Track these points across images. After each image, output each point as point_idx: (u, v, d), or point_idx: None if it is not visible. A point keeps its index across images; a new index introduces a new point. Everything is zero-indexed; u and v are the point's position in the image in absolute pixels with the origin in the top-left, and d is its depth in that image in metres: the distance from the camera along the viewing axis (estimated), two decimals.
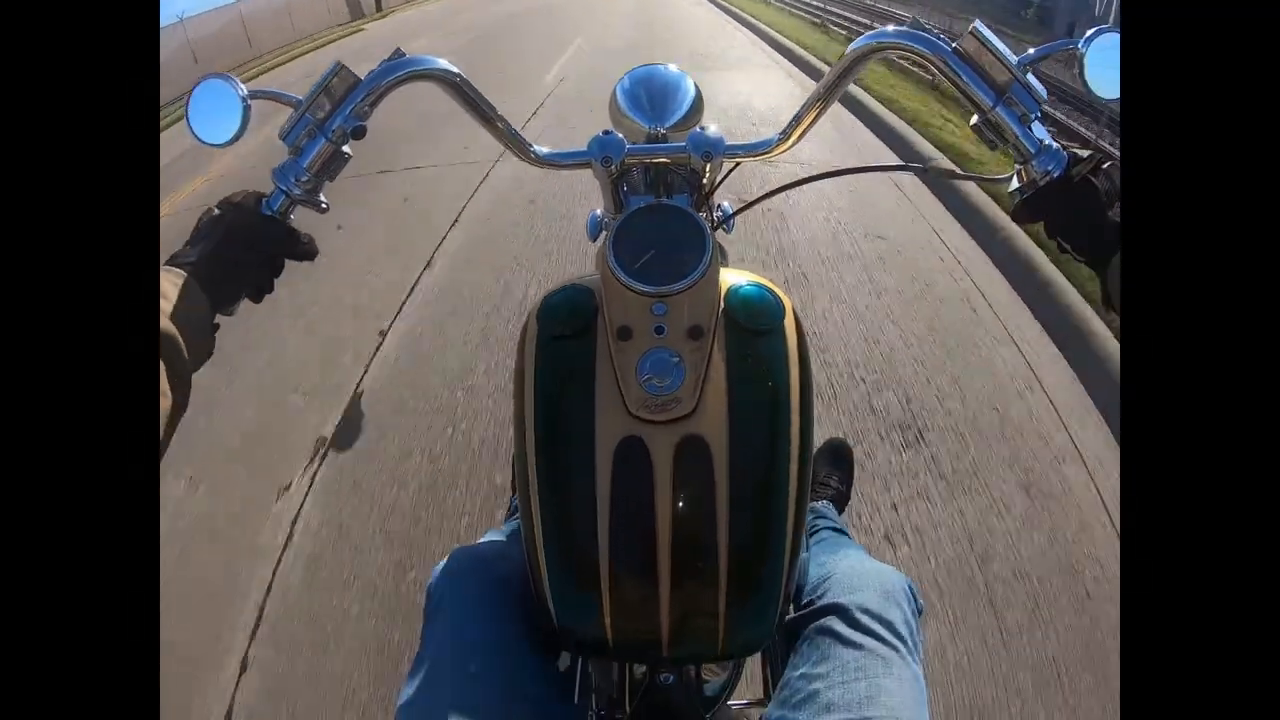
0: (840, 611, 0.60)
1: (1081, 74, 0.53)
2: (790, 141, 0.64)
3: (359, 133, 0.56)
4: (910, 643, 0.59)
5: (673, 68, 0.73)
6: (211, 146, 0.57)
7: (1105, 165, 0.51)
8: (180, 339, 0.46)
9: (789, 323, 0.56)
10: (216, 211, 0.54)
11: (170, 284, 0.48)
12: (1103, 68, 0.52)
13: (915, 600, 0.65)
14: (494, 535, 0.74)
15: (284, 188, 0.55)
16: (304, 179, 0.55)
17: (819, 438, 1.46)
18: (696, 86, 0.72)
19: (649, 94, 0.70)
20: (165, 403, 0.44)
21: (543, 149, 0.66)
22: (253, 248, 0.54)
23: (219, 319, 0.53)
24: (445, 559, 0.65)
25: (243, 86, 0.55)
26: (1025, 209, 0.54)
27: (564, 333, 0.55)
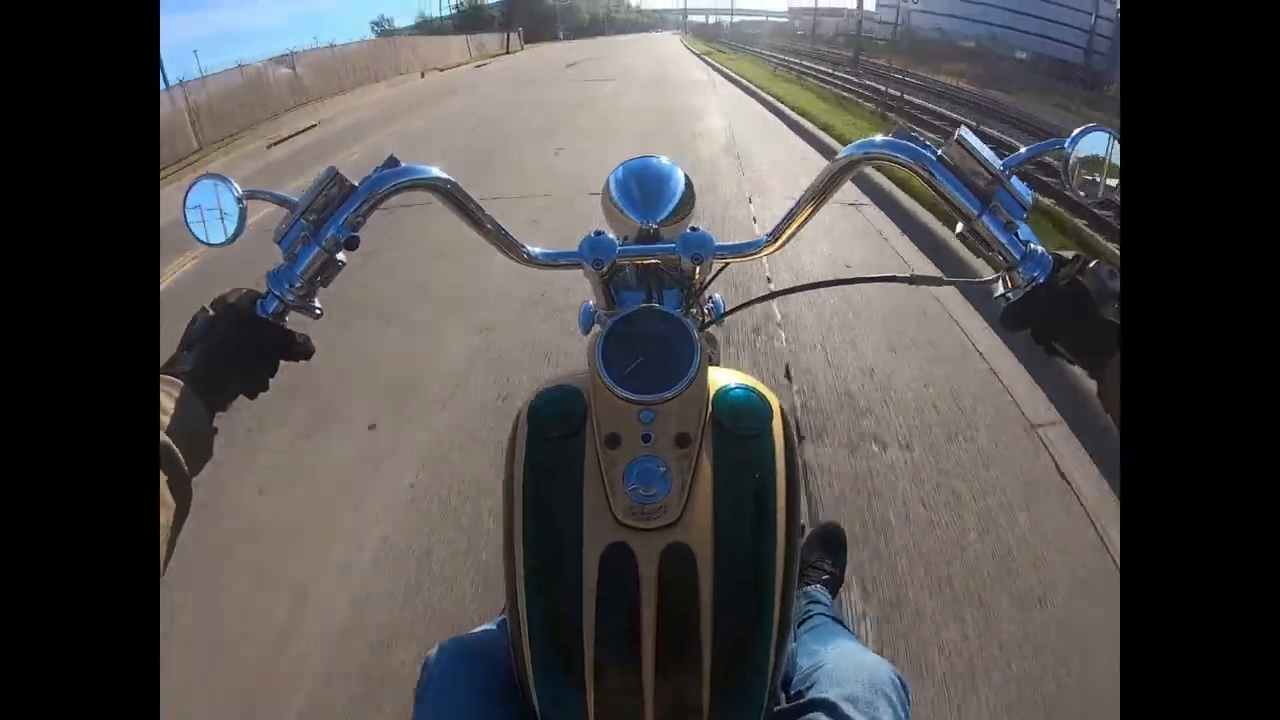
0: (828, 708, 0.60)
1: (1066, 174, 0.52)
2: (779, 243, 0.64)
3: (352, 243, 0.57)
4: None
5: (664, 160, 0.74)
6: (209, 246, 0.58)
7: (1091, 265, 0.51)
8: (178, 450, 0.47)
9: (776, 425, 0.56)
10: (210, 313, 0.55)
11: (167, 396, 0.49)
12: (1089, 168, 0.52)
13: (904, 691, 0.64)
14: (487, 626, 0.74)
15: (279, 294, 0.56)
16: (298, 285, 0.56)
17: (812, 520, 1.46)
18: (688, 179, 0.73)
19: (641, 187, 0.71)
20: (167, 512, 0.45)
21: (535, 249, 0.67)
22: (249, 353, 0.55)
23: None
24: (439, 645, 0.66)
25: (238, 187, 0.56)
26: (1012, 315, 0.54)
27: (553, 435, 0.56)
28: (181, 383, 0.50)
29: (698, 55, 19.90)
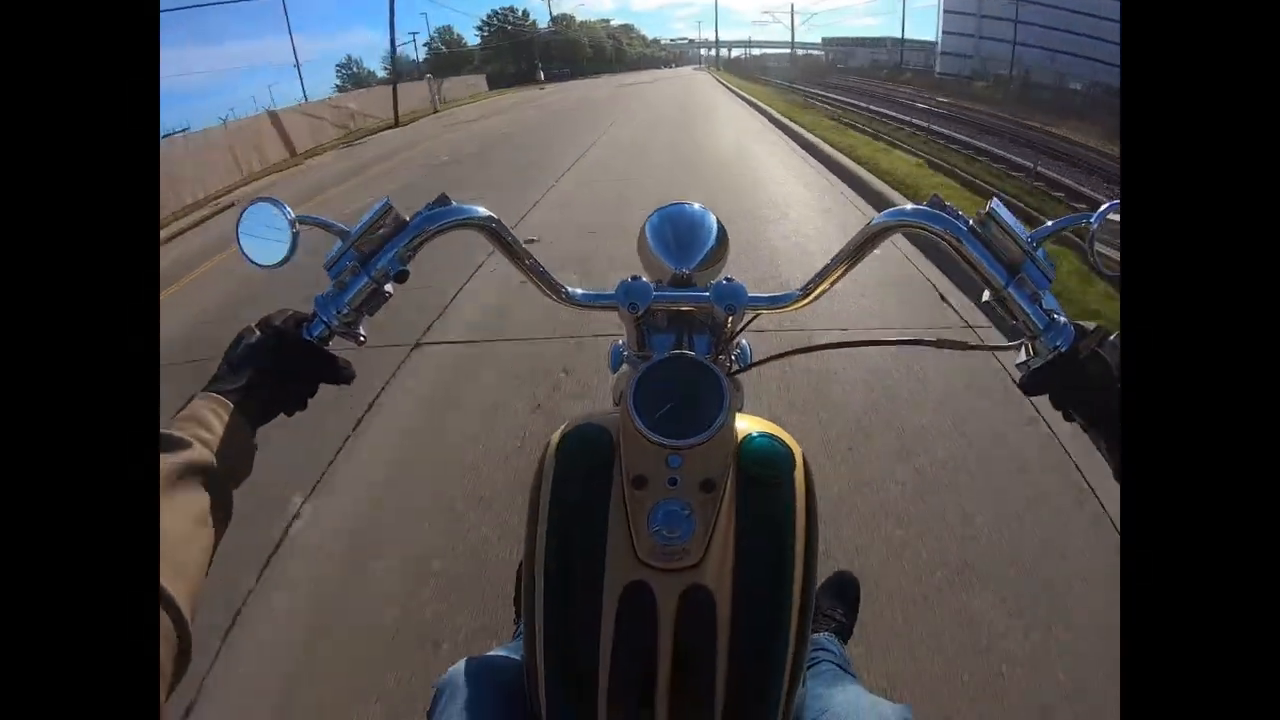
0: None
1: (1089, 248, 0.54)
2: (810, 298, 0.67)
3: (401, 277, 0.59)
4: None
5: (698, 206, 0.76)
6: (261, 268, 0.60)
7: (1111, 337, 0.53)
8: (221, 469, 0.49)
9: (799, 474, 0.58)
10: (257, 334, 0.56)
11: (213, 413, 0.51)
12: (1112, 242, 0.53)
13: None
14: (503, 651, 0.75)
15: (325, 319, 0.58)
16: (345, 313, 0.58)
17: (829, 568, 1.46)
18: (721, 225, 0.75)
19: (675, 233, 0.73)
20: (207, 528, 0.47)
21: (575, 290, 0.69)
22: (294, 376, 0.57)
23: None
24: (454, 666, 0.66)
25: (290, 211, 0.58)
26: (1033, 382, 0.56)
27: (580, 473, 0.57)
28: (230, 403, 0.52)
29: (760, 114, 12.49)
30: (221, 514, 0.49)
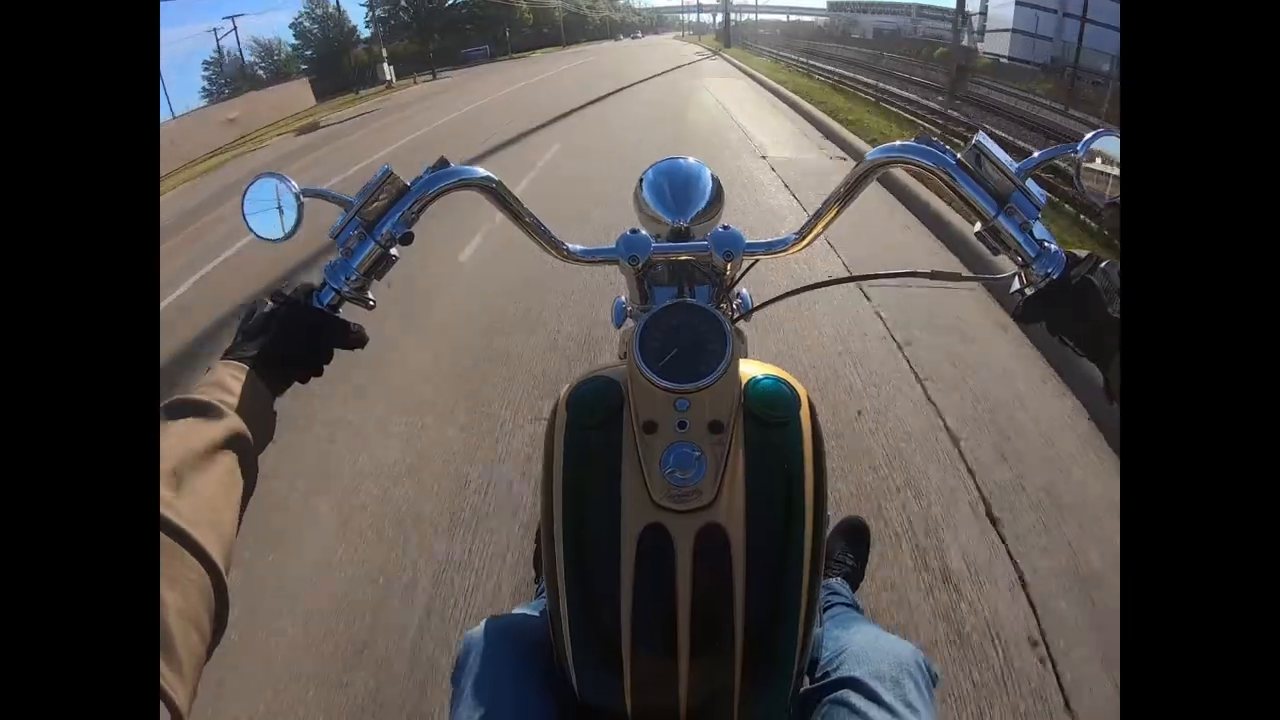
0: (854, 684, 0.61)
1: (1077, 178, 0.55)
2: (806, 241, 0.67)
3: (406, 239, 0.60)
4: (925, 714, 0.61)
5: (693, 160, 0.76)
6: (266, 241, 0.61)
7: (1103, 265, 0.54)
8: (247, 430, 0.50)
9: (804, 412, 0.59)
10: (270, 304, 0.58)
11: (233, 378, 0.52)
12: (1099, 171, 0.55)
13: (928, 672, 0.66)
14: (524, 609, 0.76)
15: (335, 286, 0.59)
16: (353, 279, 0.60)
17: (837, 516, 1.48)
18: (716, 179, 0.76)
19: (671, 187, 0.74)
20: (236, 489, 0.48)
21: (575, 246, 0.70)
22: (307, 341, 0.58)
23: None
24: (475, 627, 0.68)
25: (295, 184, 0.59)
26: (1027, 310, 0.57)
27: (592, 423, 0.59)
28: (247, 367, 0.54)
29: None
30: (250, 476, 0.51)
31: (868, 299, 2.74)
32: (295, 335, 0.57)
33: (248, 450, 0.51)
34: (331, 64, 30.67)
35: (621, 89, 12.24)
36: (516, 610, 0.75)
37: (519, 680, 0.61)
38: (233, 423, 0.49)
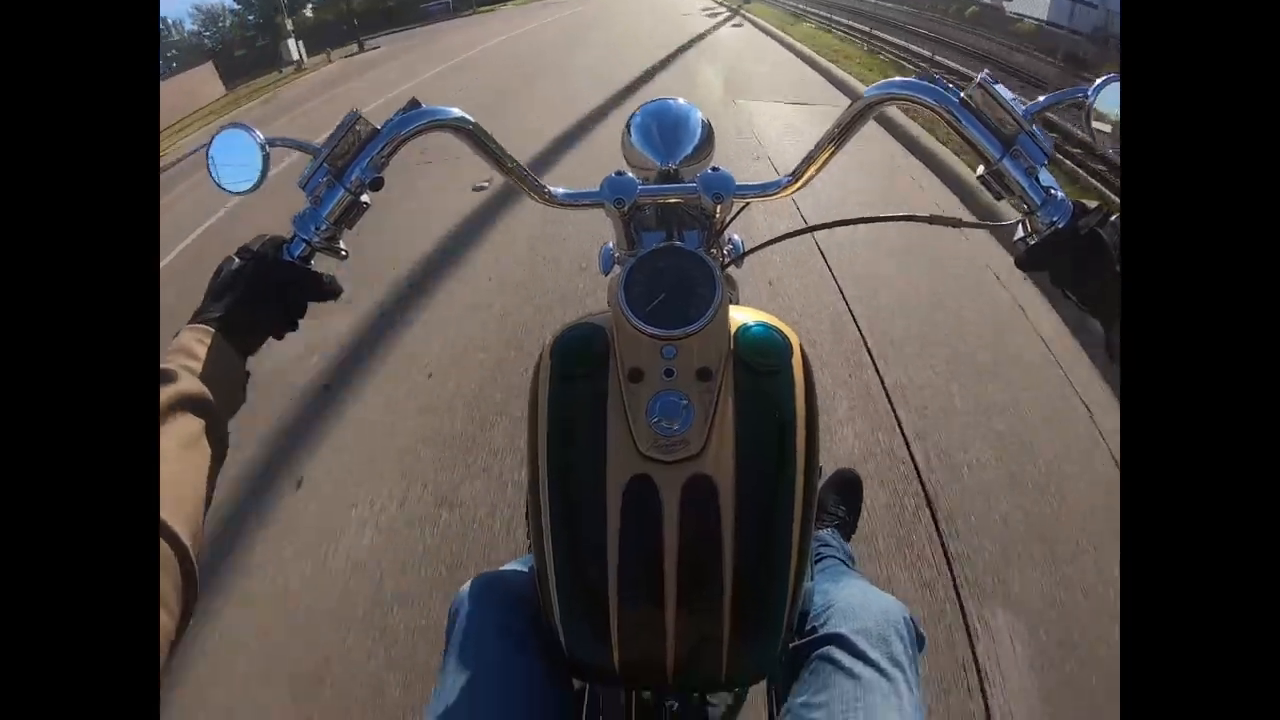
0: (841, 641, 0.61)
1: (1086, 123, 0.52)
2: (800, 183, 0.65)
3: (376, 184, 0.58)
4: (909, 672, 0.61)
5: (683, 101, 0.73)
6: (234, 194, 0.59)
7: (1113, 218, 0.51)
8: (213, 396, 0.48)
9: (796, 360, 0.57)
10: (237, 262, 0.56)
11: (198, 342, 0.50)
12: (1109, 116, 0.52)
13: (915, 630, 0.66)
14: (515, 565, 0.76)
15: (305, 236, 0.57)
16: (323, 228, 0.57)
17: (830, 468, 1.48)
18: (706, 120, 0.73)
19: (660, 129, 0.71)
20: (204, 457, 0.47)
21: (558, 189, 0.67)
22: (276, 296, 0.56)
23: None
24: (465, 585, 0.67)
25: (260, 135, 0.57)
26: (1030, 258, 0.54)
27: (577, 372, 0.57)
28: (213, 329, 0.51)
29: None
30: (218, 443, 0.49)
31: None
32: (262, 293, 0.55)
33: (215, 417, 0.48)
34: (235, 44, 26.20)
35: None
36: (506, 567, 0.75)
37: (507, 636, 0.61)
38: (196, 389, 0.47)
